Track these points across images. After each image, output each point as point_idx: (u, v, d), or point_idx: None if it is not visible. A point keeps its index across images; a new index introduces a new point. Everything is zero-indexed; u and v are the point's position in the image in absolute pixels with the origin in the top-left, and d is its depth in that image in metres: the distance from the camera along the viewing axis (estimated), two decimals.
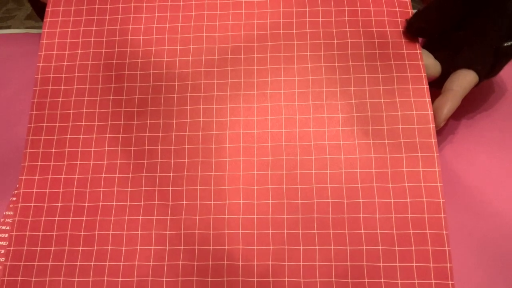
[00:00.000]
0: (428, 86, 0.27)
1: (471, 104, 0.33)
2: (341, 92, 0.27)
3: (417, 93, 0.27)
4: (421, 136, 0.26)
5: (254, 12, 0.29)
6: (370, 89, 0.27)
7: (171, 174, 0.26)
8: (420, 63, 0.27)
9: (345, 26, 0.29)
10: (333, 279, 0.23)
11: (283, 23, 0.29)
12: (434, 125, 0.26)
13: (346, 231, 0.24)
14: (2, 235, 0.28)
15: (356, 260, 0.24)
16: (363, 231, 0.24)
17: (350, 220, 0.24)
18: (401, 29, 0.28)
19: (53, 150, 0.27)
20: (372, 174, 0.25)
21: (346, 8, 0.29)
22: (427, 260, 0.24)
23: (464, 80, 0.28)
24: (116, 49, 0.29)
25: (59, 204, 0.26)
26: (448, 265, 0.23)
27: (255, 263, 0.24)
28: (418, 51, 0.27)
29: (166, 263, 0.24)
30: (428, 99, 0.26)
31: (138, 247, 0.25)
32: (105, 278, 0.24)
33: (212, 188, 0.26)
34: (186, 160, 0.26)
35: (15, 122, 0.35)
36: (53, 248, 0.25)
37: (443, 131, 0.32)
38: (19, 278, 0.25)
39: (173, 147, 0.27)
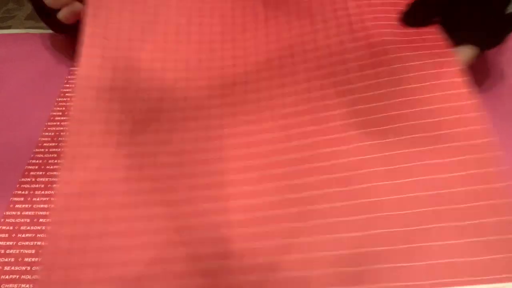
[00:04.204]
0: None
1: None
2: (342, 100, 0.28)
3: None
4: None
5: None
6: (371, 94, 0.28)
7: (171, 174, 0.26)
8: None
9: (343, 44, 0.30)
10: (339, 268, 0.23)
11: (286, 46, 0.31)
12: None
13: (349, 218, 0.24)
14: (2, 235, 0.28)
15: (364, 246, 0.23)
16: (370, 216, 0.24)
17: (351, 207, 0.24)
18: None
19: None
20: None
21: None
22: None
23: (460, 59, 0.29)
24: (123, 71, 0.30)
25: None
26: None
27: (254, 261, 0.24)
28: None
29: (164, 262, 0.24)
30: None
31: (137, 247, 0.25)
32: (104, 277, 0.24)
33: (212, 188, 0.26)
34: (186, 160, 0.27)
35: (15, 122, 0.35)
36: None
37: None
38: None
39: (174, 149, 0.27)
